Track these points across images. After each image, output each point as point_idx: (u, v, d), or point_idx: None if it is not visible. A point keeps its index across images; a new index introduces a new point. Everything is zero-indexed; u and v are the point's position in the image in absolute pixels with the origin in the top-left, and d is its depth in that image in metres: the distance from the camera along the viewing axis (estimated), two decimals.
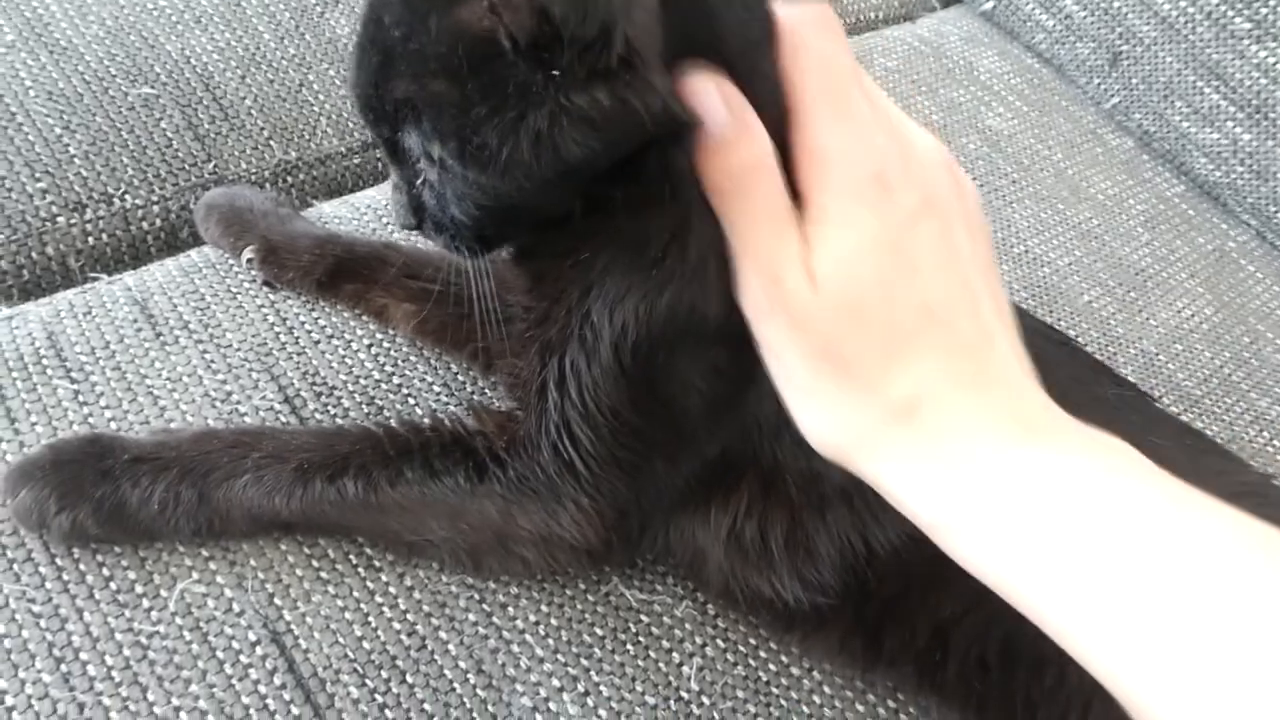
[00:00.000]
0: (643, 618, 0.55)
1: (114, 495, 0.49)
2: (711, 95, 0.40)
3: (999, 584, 0.38)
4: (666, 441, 0.49)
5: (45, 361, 0.59)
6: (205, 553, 0.52)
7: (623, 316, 0.45)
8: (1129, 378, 0.69)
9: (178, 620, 0.49)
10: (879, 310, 0.39)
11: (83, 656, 0.48)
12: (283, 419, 0.58)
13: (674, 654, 0.54)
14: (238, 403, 0.58)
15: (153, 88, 0.76)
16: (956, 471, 0.39)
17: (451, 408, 0.60)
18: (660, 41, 0.38)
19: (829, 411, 0.41)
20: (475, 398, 0.61)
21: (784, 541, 0.51)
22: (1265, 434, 0.81)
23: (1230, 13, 0.96)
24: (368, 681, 0.49)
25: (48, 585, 0.50)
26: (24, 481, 0.50)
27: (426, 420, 0.54)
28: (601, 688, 0.52)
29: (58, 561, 0.50)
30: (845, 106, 0.41)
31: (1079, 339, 0.78)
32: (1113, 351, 0.82)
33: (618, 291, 0.45)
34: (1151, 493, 0.37)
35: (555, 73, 0.37)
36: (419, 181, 0.45)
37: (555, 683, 0.52)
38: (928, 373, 0.39)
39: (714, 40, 0.40)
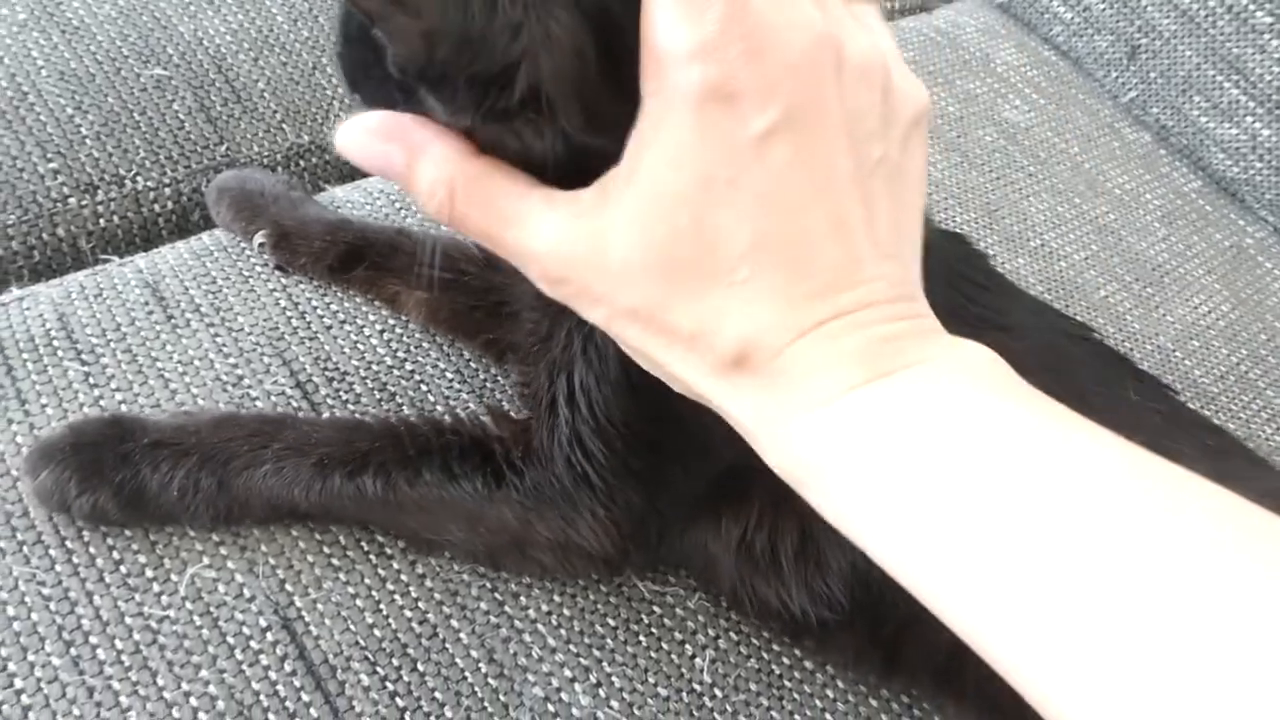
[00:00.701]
0: (656, 609, 0.54)
1: (134, 480, 0.49)
2: (359, 146, 0.36)
3: (857, 537, 0.35)
4: (680, 451, 0.49)
5: (56, 343, 0.58)
6: (216, 537, 0.51)
7: None
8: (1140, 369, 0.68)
9: (188, 605, 0.49)
10: (698, 261, 0.33)
11: (92, 640, 0.47)
12: (294, 404, 0.57)
13: (687, 646, 0.54)
14: (249, 387, 0.58)
15: (165, 69, 0.76)
16: (797, 421, 0.34)
17: (471, 407, 0.59)
18: (580, 84, 0.35)
19: (669, 373, 0.36)
20: (494, 396, 0.61)
21: (794, 554, 0.50)
22: None
23: (1251, 6, 0.95)
24: (378, 669, 0.49)
25: (58, 568, 0.49)
26: (45, 462, 0.50)
27: (447, 419, 0.53)
28: (614, 679, 0.52)
29: (68, 544, 0.50)
30: None
31: (1097, 334, 0.77)
32: (1129, 347, 0.81)
33: None
34: (1003, 419, 0.33)
35: (459, 102, 0.36)
36: None
37: (567, 673, 0.51)
38: (760, 321, 0.34)
39: None
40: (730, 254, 0.33)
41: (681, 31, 0.32)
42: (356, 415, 0.57)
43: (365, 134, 0.36)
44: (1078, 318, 0.80)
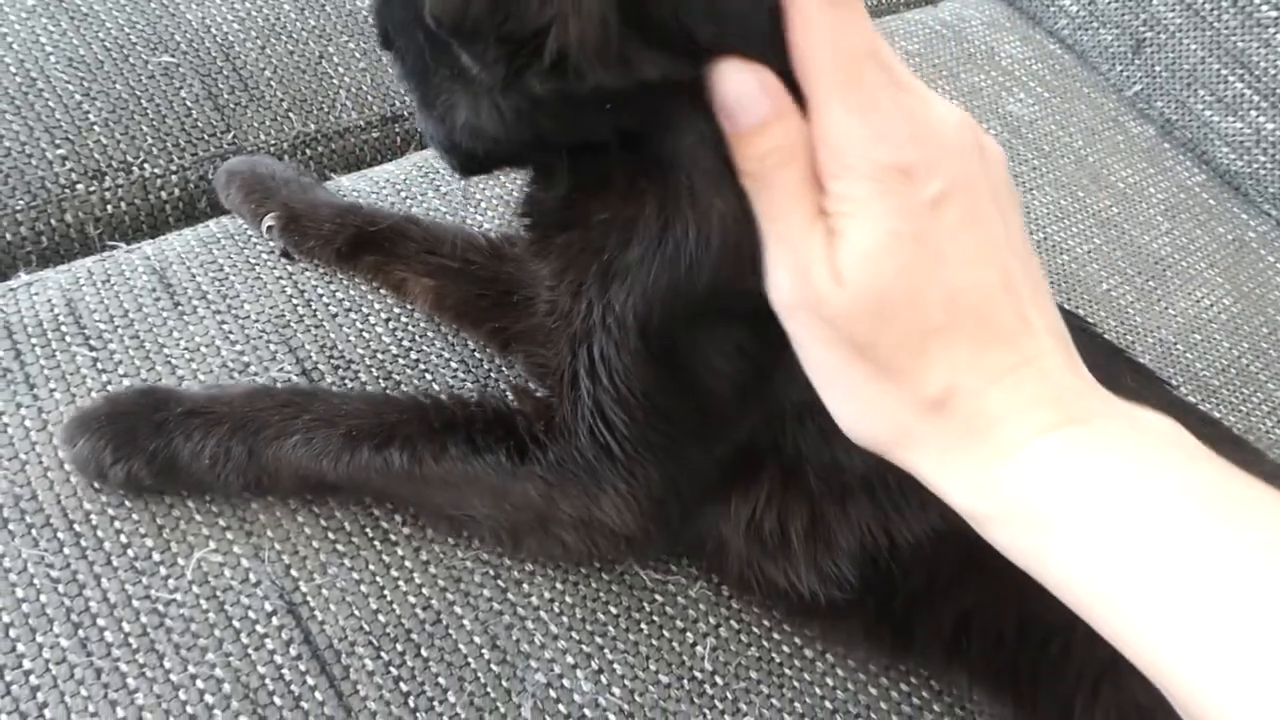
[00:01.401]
0: (657, 597, 0.55)
1: (167, 448, 0.50)
2: (742, 80, 0.39)
3: (1042, 575, 0.38)
4: (698, 424, 0.49)
5: (64, 328, 0.59)
6: (222, 522, 0.52)
7: (645, 301, 0.45)
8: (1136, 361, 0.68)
9: (194, 589, 0.50)
10: (905, 305, 0.38)
11: (100, 623, 0.48)
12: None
13: (688, 634, 0.54)
14: (255, 374, 0.58)
15: (173, 56, 0.76)
16: (993, 461, 0.38)
17: (476, 396, 0.60)
18: (614, 39, 0.37)
19: (862, 406, 0.41)
20: (498, 386, 0.61)
21: (804, 533, 0.51)
22: None
23: (1257, 0, 0.95)
24: (383, 654, 0.50)
25: (66, 551, 0.50)
26: (81, 432, 0.51)
27: (473, 395, 0.54)
28: (615, 666, 0.52)
29: (76, 527, 0.51)
30: (858, 88, 0.39)
31: (1097, 327, 0.77)
32: (1131, 340, 0.81)
33: (638, 277, 0.45)
34: (1198, 475, 0.36)
35: (491, 60, 0.38)
36: None
37: (569, 660, 0.52)
38: (959, 364, 0.38)
39: (712, 28, 0.39)
40: (928, 301, 0.38)
41: (857, 129, 0.38)
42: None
43: (753, 78, 0.39)
44: (1080, 311, 0.81)
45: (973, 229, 0.39)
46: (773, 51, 0.39)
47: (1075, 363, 0.40)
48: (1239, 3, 0.96)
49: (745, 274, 0.42)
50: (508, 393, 0.54)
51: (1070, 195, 0.92)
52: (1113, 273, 0.86)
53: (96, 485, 0.52)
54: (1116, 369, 0.57)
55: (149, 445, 0.50)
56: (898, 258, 0.38)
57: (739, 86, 0.39)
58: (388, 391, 0.59)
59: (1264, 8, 0.95)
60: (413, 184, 0.73)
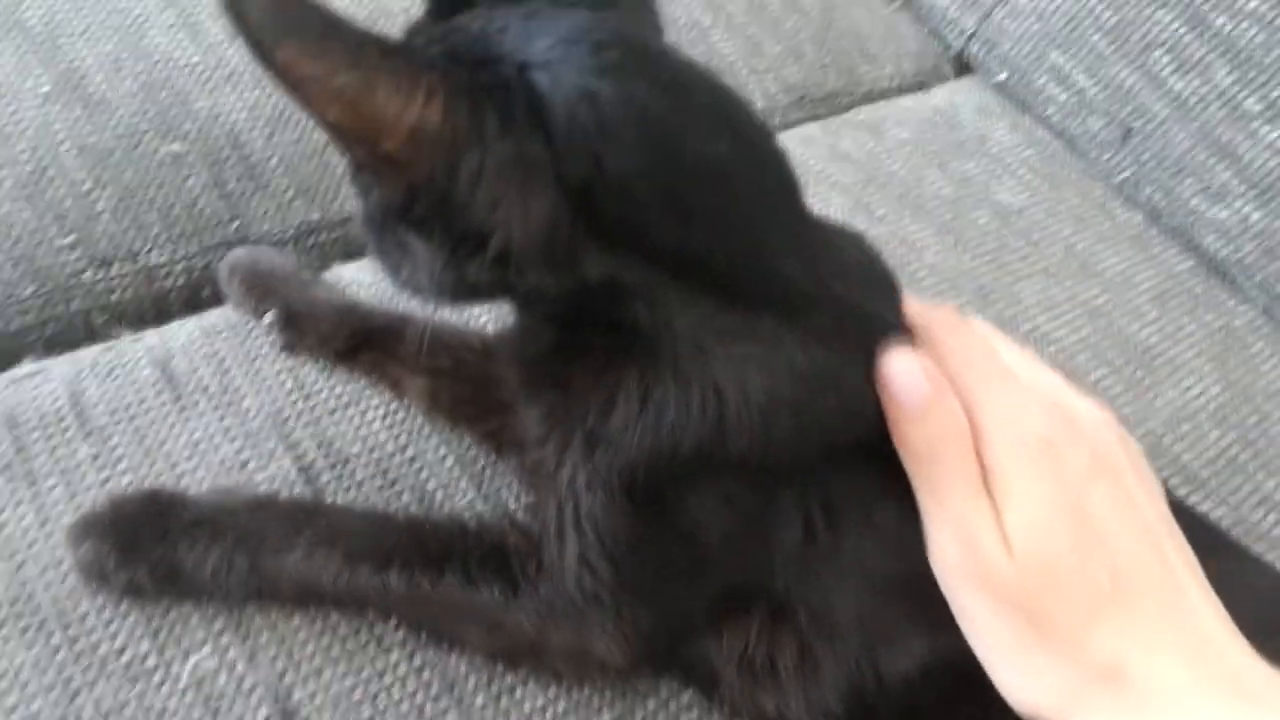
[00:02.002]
0: (649, 703, 0.55)
1: (170, 557, 0.51)
2: (909, 369, 0.43)
3: None
4: (686, 570, 0.50)
5: (66, 422, 0.60)
6: (218, 625, 0.52)
7: (630, 466, 0.46)
8: None
9: (188, 695, 0.50)
10: (1073, 573, 0.40)
11: None
12: (297, 489, 0.59)
13: None
14: (254, 471, 0.59)
15: (182, 144, 0.78)
16: None
17: (470, 495, 0.61)
18: (563, 243, 0.39)
19: (1032, 673, 0.42)
20: (493, 485, 0.62)
21: (793, 666, 0.51)
22: (1271, 516, 0.81)
23: (1243, 94, 0.97)
24: None
25: (60, 655, 0.50)
26: (86, 535, 0.52)
27: (471, 522, 0.55)
28: None
29: (71, 630, 0.51)
30: (995, 380, 0.43)
31: None
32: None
33: (622, 444, 0.46)
34: None
35: (435, 242, 0.41)
36: None
37: None
38: (1128, 635, 0.40)
39: (676, 229, 0.42)
40: (1095, 569, 0.40)
41: (995, 402, 0.43)
42: (389, 501, 0.60)
43: (915, 363, 0.44)
44: None
45: (1121, 501, 0.42)
46: (748, 242, 0.41)
47: (1235, 634, 0.42)
48: (1224, 95, 0.98)
49: (727, 441, 0.43)
50: (504, 524, 0.55)
51: (1059, 284, 0.93)
52: (1101, 363, 0.88)
53: (94, 588, 0.52)
54: None
55: (152, 553, 0.51)
56: (1062, 525, 0.41)
57: (904, 371, 0.43)
58: (389, 502, 0.59)
59: (1249, 101, 0.97)
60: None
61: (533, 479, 0.55)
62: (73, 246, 0.72)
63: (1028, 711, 0.42)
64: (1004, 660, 0.42)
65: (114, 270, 0.73)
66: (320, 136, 0.82)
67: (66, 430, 0.59)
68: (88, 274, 0.72)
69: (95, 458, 0.58)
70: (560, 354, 0.49)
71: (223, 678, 0.51)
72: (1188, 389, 0.89)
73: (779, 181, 0.45)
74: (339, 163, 0.82)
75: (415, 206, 0.39)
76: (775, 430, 0.45)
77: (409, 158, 0.38)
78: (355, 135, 0.38)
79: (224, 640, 0.52)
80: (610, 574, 0.49)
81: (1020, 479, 0.41)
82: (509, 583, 0.51)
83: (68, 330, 0.72)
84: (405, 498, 0.60)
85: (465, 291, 0.44)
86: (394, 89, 0.36)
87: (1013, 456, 0.41)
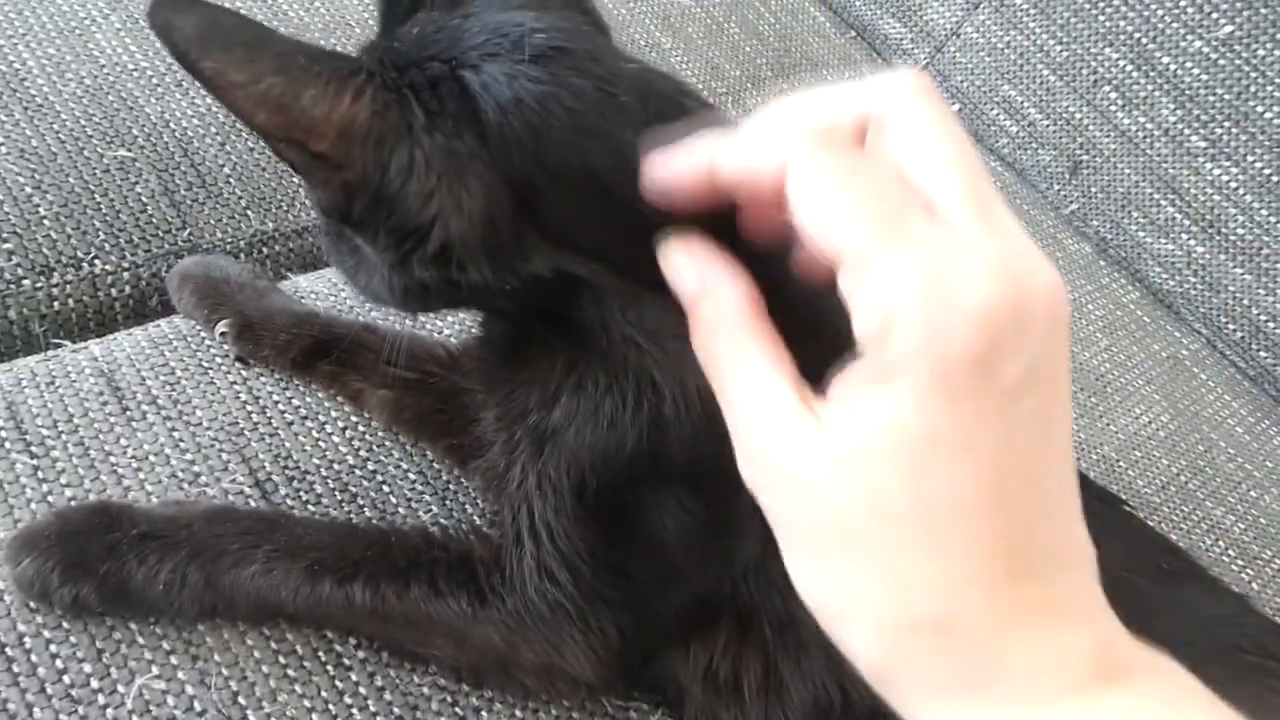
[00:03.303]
0: None
1: (119, 572, 0.48)
2: (673, 260, 0.36)
3: None
4: (651, 577, 0.49)
5: (4, 434, 0.56)
6: (166, 645, 0.50)
7: (577, 465, 0.46)
8: (1103, 490, 0.70)
9: (134, 719, 0.47)
10: (913, 515, 0.30)
11: None
12: (252, 504, 0.56)
13: None
14: (206, 485, 0.56)
15: (129, 150, 0.75)
16: (1010, 709, 0.31)
17: (434, 510, 0.59)
18: (505, 237, 0.39)
19: (842, 599, 0.33)
20: (456, 499, 0.60)
21: (757, 684, 0.50)
22: (1221, 543, 0.82)
23: (1187, 131, 1.00)
24: None
25: None
26: (27, 550, 0.48)
27: (437, 533, 0.53)
28: None
29: (8, 652, 0.48)
30: (908, 229, 0.30)
31: None
32: (1076, 457, 0.83)
33: (565, 441, 0.46)
34: None
35: (379, 245, 0.41)
36: None
37: None
38: (973, 596, 0.31)
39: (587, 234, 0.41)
40: (949, 518, 0.30)
41: (907, 284, 0.29)
42: (350, 515, 0.57)
43: (684, 252, 0.36)
44: None
45: (1038, 432, 0.31)
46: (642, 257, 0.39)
47: (1104, 601, 0.34)
48: (1170, 132, 1.01)
49: (668, 438, 0.43)
50: (469, 533, 0.54)
51: None
52: None
53: (33, 606, 0.49)
54: (1085, 498, 0.57)
55: (100, 568, 0.48)
56: (926, 460, 0.30)
57: (668, 267, 0.36)
58: (355, 511, 0.57)
59: (1193, 138, 1.00)
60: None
61: (492, 486, 0.53)
62: (11, 253, 0.68)
63: (837, 641, 0.34)
64: (801, 567, 0.33)
65: (55, 278, 0.69)
66: None
67: (4, 442, 0.56)
68: (27, 281, 0.68)
69: (35, 471, 0.55)
70: (512, 354, 0.49)
71: (171, 700, 0.48)
72: (1138, 416, 0.91)
73: None
74: (293, 173, 0.80)
75: (353, 208, 0.40)
76: (718, 429, 0.43)
77: (340, 157, 0.38)
78: (284, 137, 0.38)
79: (173, 661, 0.49)
80: (570, 581, 0.48)
81: (874, 398, 0.30)
82: (477, 594, 0.49)
83: (4, 340, 0.68)
84: (366, 513, 0.57)
85: (419, 295, 0.43)
86: (321, 91, 0.37)
87: (886, 372, 0.29)
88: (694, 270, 0.35)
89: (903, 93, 0.32)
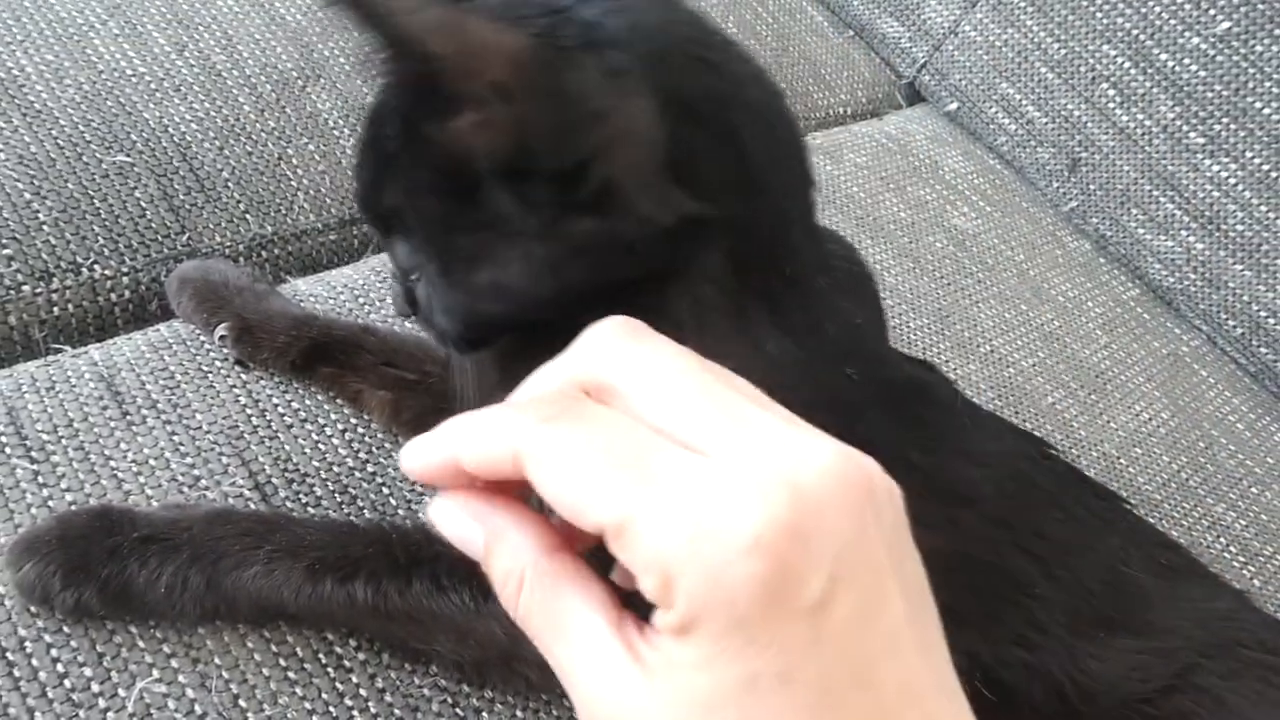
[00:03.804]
0: None
1: (120, 576, 0.48)
2: (444, 515, 0.32)
3: None
4: None
5: (4, 439, 0.56)
6: (167, 649, 0.50)
7: None
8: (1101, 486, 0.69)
9: None
10: None
11: None
12: (252, 506, 0.56)
13: None
14: (206, 488, 0.56)
15: (128, 155, 0.75)
16: None
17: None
18: (656, 175, 0.38)
19: None
20: None
21: None
22: (1222, 540, 0.82)
23: (1185, 127, 1.00)
24: None
25: None
26: (29, 555, 0.48)
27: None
28: None
29: (9, 656, 0.48)
30: (656, 477, 0.27)
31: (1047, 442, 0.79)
32: (1076, 454, 0.83)
33: None
34: None
35: (535, 200, 0.38)
36: (412, 278, 0.46)
37: None
38: None
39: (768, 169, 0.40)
40: None
41: (663, 530, 0.27)
42: (350, 517, 0.57)
43: (456, 509, 0.32)
44: (1028, 425, 0.82)
45: (865, 629, 0.28)
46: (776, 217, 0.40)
47: None
48: (1169, 129, 1.01)
49: None
50: None
51: (1014, 309, 0.94)
52: (1056, 386, 0.89)
53: (34, 610, 0.49)
54: (1080, 500, 0.58)
55: (101, 571, 0.48)
56: (746, 707, 0.27)
57: (446, 525, 0.32)
58: (350, 513, 0.57)
59: (1192, 135, 1.00)
60: (370, 289, 0.72)
61: None
62: (10, 259, 0.68)
63: None
64: None
65: (55, 283, 0.69)
66: (274, 149, 0.80)
67: (4, 448, 0.56)
68: (27, 287, 0.69)
69: (35, 476, 0.55)
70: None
71: (172, 704, 0.48)
72: (1138, 413, 0.91)
73: (805, 170, 0.46)
74: (292, 176, 0.80)
75: (524, 145, 0.36)
76: None
77: (513, 84, 0.36)
78: (460, 67, 0.35)
79: (174, 664, 0.49)
80: None
81: (677, 663, 0.27)
82: (479, 588, 0.49)
83: (4, 346, 0.68)
84: (366, 515, 0.58)
85: (564, 269, 0.39)
86: (484, 21, 0.36)
87: (678, 627, 0.27)
88: (470, 523, 0.32)
89: (611, 348, 0.30)
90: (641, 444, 0.28)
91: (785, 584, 0.26)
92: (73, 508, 0.53)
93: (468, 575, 0.50)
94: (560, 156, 0.36)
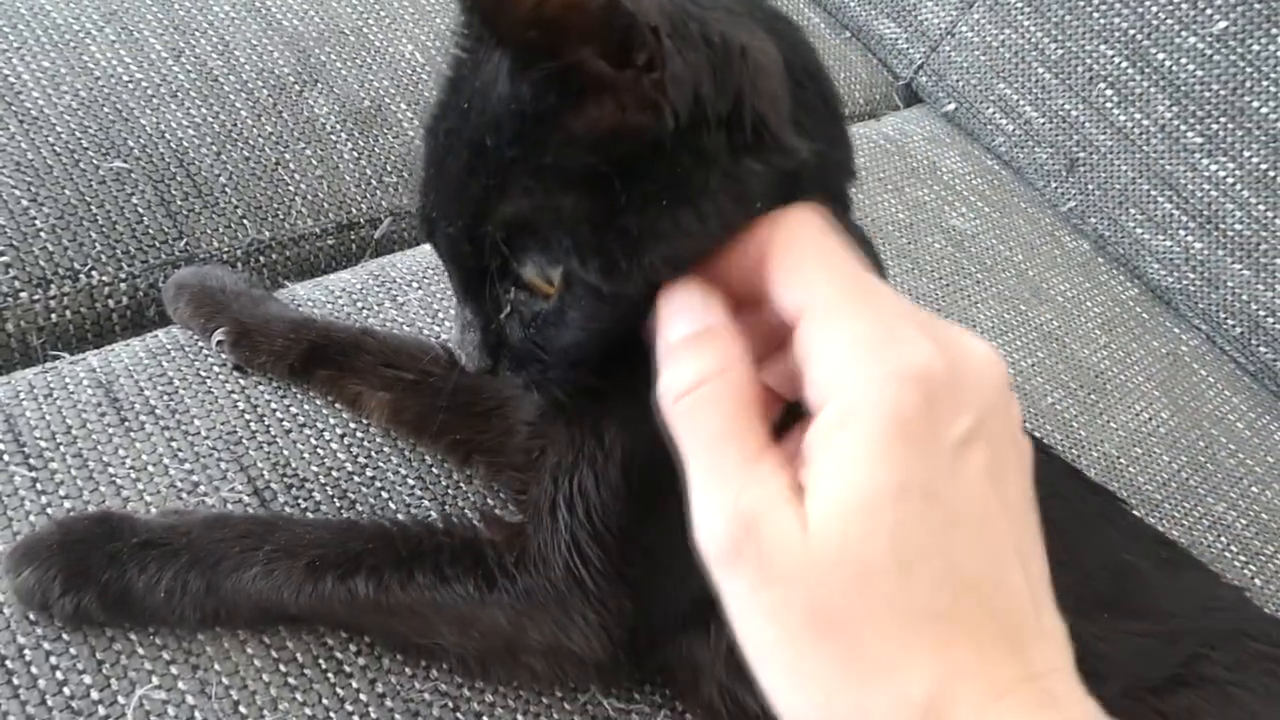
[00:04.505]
0: None
1: (120, 581, 0.48)
2: (685, 291, 0.35)
3: None
4: (674, 559, 0.48)
5: (2, 446, 0.56)
6: (166, 655, 0.49)
7: (633, 440, 0.45)
8: (1095, 482, 0.70)
9: None
10: (897, 577, 0.29)
11: None
12: (251, 511, 0.56)
13: None
14: (205, 494, 0.56)
15: (125, 162, 0.75)
16: None
17: (433, 515, 0.59)
18: (788, 105, 0.37)
19: (818, 701, 0.31)
20: (455, 504, 0.60)
21: None
22: (1223, 539, 0.82)
23: (1183, 127, 1.00)
24: None
25: None
26: (29, 560, 0.48)
27: (439, 522, 0.53)
28: None
29: (9, 664, 0.48)
30: (864, 298, 0.32)
31: (1045, 441, 0.79)
32: (1076, 454, 0.83)
33: (629, 415, 0.44)
34: None
35: (712, 151, 0.36)
36: (503, 315, 0.42)
37: None
38: (959, 667, 0.29)
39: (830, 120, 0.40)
40: (930, 576, 0.30)
41: (867, 333, 0.32)
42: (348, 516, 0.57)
43: (696, 289, 0.35)
44: (1028, 426, 0.82)
45: (995, 487, 0.31)
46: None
47: (1074, 675, 0.32)
48: (1166, 129, 1.01)
49: None
50: (475, 520, 0.54)
51: (1013, 309, 0.94)
52: (1056, 386, 0.88)
53: (33, 618, 0.49)
54: (1077, 495, 0.57)
55: (101, 577, 0.48)
56: (899, 514, 0.30)
57: (680, 297, 0.35)
58: (349, 516, 0.57)
59: (1190, 134, 1.00)
60: (369, 293, 0.72)
61: (523, 466, 0.53)
62: (7, 266, 0.68)
63: None
64: (779, 672, 0.32)
65: (52, 290, 0.69)
66: (271, 154, 0.80)
67: (2, 455, 0.56)
68: (24, 294, 0.68)
69: (33, 483, 0.55)
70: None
71: (172, 711, 0.48)
72: (1138, 413, 0.90)
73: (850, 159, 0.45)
74: (290, 181, 0.80)
75: (700, 94, 0.35)
76: None
77: (654, 47, 0.34)
78: (610, 39, 0.34)
79: (173, 671, 0.49)
80: (597, 557, 0.47)
81: (858, 442, 0.30)
82: (484, 577, 0.49)
83: (2, 352, 0.68)
84: (364, 519, 0.57)
85: (736, 224, 0.37)
86: None
87: (859, 406, 0.30)
88: (701, 308, 0.35)
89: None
90: (861, 273, 0.34)
91: (937, 414, 0.31)
92: (72, 514, 0.53)
93: (473, 564, 0.50)
94: (724, 98, 0.35)
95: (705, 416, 0.33)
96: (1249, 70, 0.96)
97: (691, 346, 0.34)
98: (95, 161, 0.75)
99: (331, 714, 0.50)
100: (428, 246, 0.67)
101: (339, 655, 0.51)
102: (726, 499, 0.32)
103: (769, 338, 0.36)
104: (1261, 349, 0.99)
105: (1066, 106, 1.06)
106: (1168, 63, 1.00)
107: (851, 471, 0.30)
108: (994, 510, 0.31)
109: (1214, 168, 0.99)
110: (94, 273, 0.71)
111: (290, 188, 0.80)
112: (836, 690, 0.30)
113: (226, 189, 0.77)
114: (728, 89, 0.35)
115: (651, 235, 0.36)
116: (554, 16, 0.33)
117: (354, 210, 0.82)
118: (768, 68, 0.36)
